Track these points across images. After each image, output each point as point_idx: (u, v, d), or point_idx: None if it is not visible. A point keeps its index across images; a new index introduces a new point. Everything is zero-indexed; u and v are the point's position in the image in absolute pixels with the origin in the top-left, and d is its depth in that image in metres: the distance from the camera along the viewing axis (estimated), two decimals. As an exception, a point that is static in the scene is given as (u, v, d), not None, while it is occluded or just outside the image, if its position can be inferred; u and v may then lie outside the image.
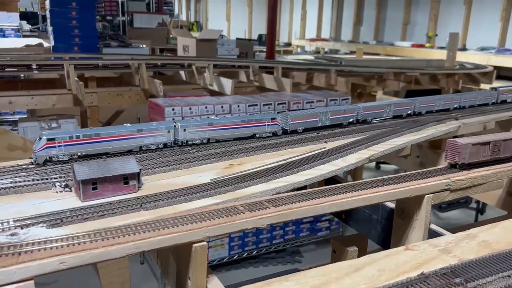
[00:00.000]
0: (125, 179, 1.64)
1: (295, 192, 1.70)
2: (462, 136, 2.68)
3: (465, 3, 10.14)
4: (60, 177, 1.74)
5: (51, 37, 5.24)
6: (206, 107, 3.31)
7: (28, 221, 1.36)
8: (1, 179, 1.68)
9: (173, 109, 3.15)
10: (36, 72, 4.23)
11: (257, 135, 2.41)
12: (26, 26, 9.26)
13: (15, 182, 1.66)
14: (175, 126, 2.17)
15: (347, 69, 5.21)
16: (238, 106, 3.44)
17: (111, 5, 9.70)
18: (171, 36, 8.51)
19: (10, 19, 7.85)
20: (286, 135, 2.51)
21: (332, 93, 4.11)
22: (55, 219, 1.39)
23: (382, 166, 8.51)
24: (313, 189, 1.75)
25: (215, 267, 5.26)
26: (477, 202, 6.67)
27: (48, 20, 5.38)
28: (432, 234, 1.84)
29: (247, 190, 1.73)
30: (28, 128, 3.83)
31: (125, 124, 2.10)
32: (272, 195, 1.73)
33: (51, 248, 1.20)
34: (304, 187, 1.89)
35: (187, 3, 22.72)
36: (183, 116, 3.21)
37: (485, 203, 6.56)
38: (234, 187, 1.73)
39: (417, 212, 1.87)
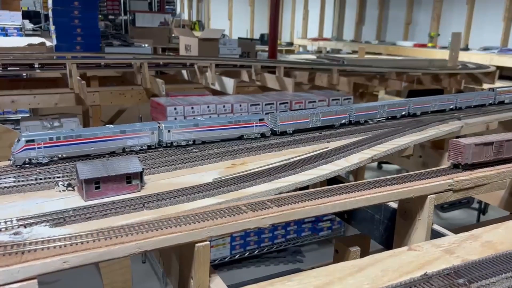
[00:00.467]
0: (128, 178, 1.64)
1: (298, 192, 1.69)
2: (464, 136, 2.67)
3: (467, 3, 10.12)
4: (63, 176, 1.74)
5: (54, 36, 5.25)
6: (208, 107, 3.31)
7: (31, 220, 1.36)
8: (5, 178, 1.68)
9: (175, 109, 3.15)
10: (39, 71, 4.24)
11: (244, 137, 2.37)
12: (29, 25, 9.27)
13: (18, 181, 1.66)
14: (159, 127, 2.13)
15: (349, 68, 5.20)
16: (240, 105, 3.43)
17: (113, 4, 9.71)
18: (173, 35, 8.52)
19: (12, 18, 7.87)
20: (287, 135, 2.51)
21: (334, 93, 4.10)
22: (58, 218, 1.39)
23: (384, 166, 8.51)
24: (315, 189, 1.74)
25: (217, 267, 5.26)
26: (479, 202, 6.65)
27: (51, 19, 5.38)
28: (435, 235, 1.83)
29: (250, 190, 1.73)
30: (31, 127, 3.84)
31: (107, 125, 2.06)
32: (275, 195, 1.73)
33: (54, 247, 1.20)
34: (307, 187, 1.88)
35: (189, 3, 22.72)
36: (185, 116, 3.21)
37: (487, 204, 6.55)
38: (237, 187, 1.73)
39: (420, 212, 1.86)
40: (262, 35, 12.86)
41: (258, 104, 3.52)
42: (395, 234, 1.98)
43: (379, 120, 2.92)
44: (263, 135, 2.42)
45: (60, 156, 1.87)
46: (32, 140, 1.81)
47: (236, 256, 5.44)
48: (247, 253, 5.51)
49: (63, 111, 4.29)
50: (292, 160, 2.08)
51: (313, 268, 1.44)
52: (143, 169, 1.68)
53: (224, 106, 3.36)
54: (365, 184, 1.80)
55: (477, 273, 1.36)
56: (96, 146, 1.95)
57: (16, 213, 1.42)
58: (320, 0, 15.13)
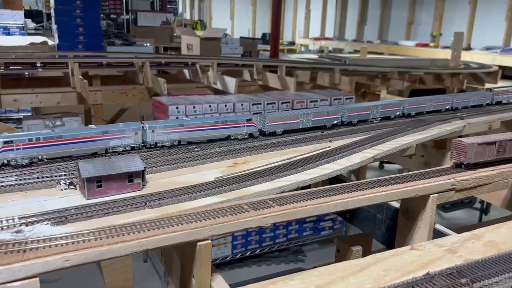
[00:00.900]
0: (130, 177, 1.64)
1: (300, 191, 1.69)
2: (467, 135, 2.66)
3: (470, 3, 10.09)
4: (65, 175, 1.74)
5: (56, 35, 5.26)
6: (210, 106, 3.31)
7: (33, 219, 1.36)
8: (7, 177, 1.68)
9: (177, 108, 3.15)
10: (41, 70, 4.24)
11: (232, 137, 2.33)
12: (31, 24, 9.29)
13: (20, 180, 1.66)
14: (143, 127, 2.09)
15: (351, 68, 5.20)
16: (242, 104, 3.43)
17: (115, 3, 9.71)
18: (175, 34, 8.51)
19: (15, 17, 7.87)
20: (289, 134, 2.50)
21: (336, 92, 4.09)
22: (60, 217, 1.39)
23: (386, 165, 8.49)
24: (317, 188, 1.74)
25: (218, 266, 5.26)
26: (481, 202, 6.64)
27: (53, 18, 5.39)
28: (437, 234, 1.83)
29: (252, 189, 1.73)
30: (33, 126, 3.84)
31: (89, 126, 2.02)
32: (277, 194, 1.72)
33: (55, 245, 1.20)
34: (309, 186, 1.88)
35: (191, 2, 22.73)
36: (187, 115, 3.21)
37: (489, 203, 6.53)
38: (239, 186, 1.73)
39: (422, 212, 1.86)
40: (264, 35, 12.85)
41: (260, 104, 3.51)
42: (397, 233, 1.97)
43: (373, 121, 2.88)
44: (251, 136, 2.38)
45: (40, 157, 1.83)
46: (10, 141, 1.76)
47: (238, 256, 5.44)
48: (249, 253, 5.50)
49: (65, 110, 4.29)
50: (294, 159, 2.07)
51: (315, 267, 1.44)
52: (145, 167, 1.68)
53: (226, 106, 3.36)
54: (367, 183, 1.80)
55: (479, 273, 1.36)
56: (78, 147, 1.91)
57: (18, 212, 1.42)
58: (322, 0, 15.12)
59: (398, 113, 2.99)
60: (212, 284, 1.40)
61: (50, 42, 5.70)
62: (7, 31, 7.62)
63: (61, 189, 1.65)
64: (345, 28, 14.45)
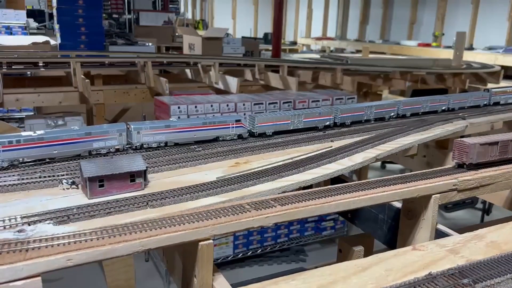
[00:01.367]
0: (132, 176, 1.64)
1: (301, 191, 1.69)
2: (469, 136, 2.66)
3: (472, 2, 10.08)
4: (67, 174, 1.74)
5: (58, 34, 5.26)
6: (211, 106, 3.31)
7: (35, 218, 1.37)
8: (9, 176, 1.69)
9: (178, 107, 3.16)
10: (43, 69, 4.25)
11: (220, 138, 2.29)
12: (33, 24, 9.31)
13: (23, 179, 1.67)
14: (128, 128, 2.04)
15: (353, 68, 5.19)
16: (244, 104, 3.43)
17: (117, 3, 9.72)
18: (177, 34, 8.51)
19: (17, 17, 7.89)
20: (291, 134, 2.50)
21: (338, 92, 4.09)
22: (62, 216, 1.39)
23: (388, 165, 8.48)
24: (319, 188, 1.74)
25: (219, 265, 5.26)
26: (483, 202, 6.62)
27: (55, 18, 5.40)
28: (439, 234, 1.82)
29: (253, 189, 1.73)
30: (35, 125, 3.85)
31: (72, 127, 1.98)
32: (278, 193, 1.72)
33: (58, 245, 1.20)
34: (310, 186, 1.88)
35: (193, 2, 22.74)
36: (188, 115, 3.22)
37: (491, 204, 6.52)
38: (240, 186, 1.73)
39: (424, 212, 1.85)
40: (265, 34, 12.85)
41: (262, 103, 3.51)
42: (399, 233, 1.97)
43: (369, 121, 2.82)
44: (240, 137, 2.34)
45: (21, 160, 1.79)
46: None
47: (239, 255, 5.44)
48: (250, 252, 5.51)
49: (67, 109, 4.30)
50: (295, 159, 2.07)
51: (316, 267, 1.44)
52: (147, 167, 1.68)
53: (227, 105, 3.36)
54: (369, 183, 1.80)
55: (482, 273, 1.35)
56: (60, 149, 1.87)
57: (20, 211, 1.43)
58: (324, -1, 15.12)
59: (392, 114, 2.94)
60: (214, 284, 1.41)
61: (52, 42, 5.70)
62: (9, 31, 7.64)
63: (63, 189, 1.65)
64: (347, 27, 14.43)
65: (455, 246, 1.56)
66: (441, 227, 1.87)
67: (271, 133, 2.43)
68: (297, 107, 3.61)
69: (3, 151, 1.75)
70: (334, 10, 14.88)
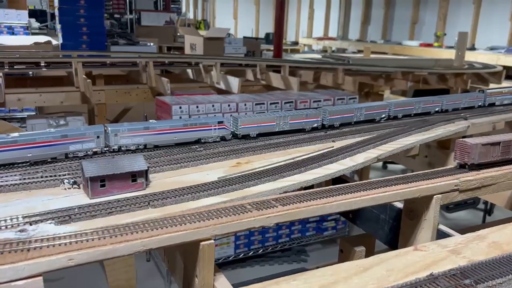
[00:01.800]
0: (133, 176, 1.64)
1: (303, 191, 1.69)
2: (471, 136, 2.65)
3: (474, 2, 10.06)
4: (69, 174, 1.74)
5: (60, 34, 5.28)
6: (213, 106, 3.32)
7: (37, 218, 1.37)
8: (11, 176, 1.69)
9: (180, 107, 3.16)
10: (45, 69, 4.26)
11: (202, 140, 2.24)
12: (35, 24, 9.33)
13: (24, 179, 1.67)
14: (105, 130, 1.99)
15: (355, 68, 5.19)
16: (245, 104, 3.43)
17: (119, 3, 9.74)
18: (178, 34, 8.52)
19: (19, 17, 7.91)
20: (292, 134, 2.50)
21: (339, 92, 4.09)
22: (64, 216, 1.39)
23: (389, 166, 8.47)
24: (320, 188, 1.74)
25: (221, 266, 5.26)
26: (485, 203, 6.61)
27: (57, 18, 5.41)
28: (441, 235, 1.82)
29: (255, 189, 1.73)
30: (36, 125, 3.86)
31: (47, 130, 1.92)
32: (280, 194, 1.72)
33: (59, 244, 1.20)
34: (312, 186, 1.88)
35: (194, 2, 22.75)
36: (190, 115, 3.22)
37: (493, 204, 6.50)
38: (242, 186, 1.73)
39: (425, 212, 1.85)
40: (267, 34, 12.85)
41: (263, 103, 3.52)
42: (400, 234, 1.97)
43: (355, 124, 2.73)
44: (223, 139, 2.29)
45: None
46: None
47: (240, 255, 5.44)
48: (251, 252, 5.51)
49: (68, 109, 4.31)
50: (297, 159, 2.07)
51: (318, 267, 1.44)
52: (148, 167, 1.68)
53: (229, 105, 3.36)
54: (371, 183, 1.80)
55: (483, 274, 1.35)
56: (35, 152, 1.81)
57: (22, 211, 1.43)
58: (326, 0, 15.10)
59: (384, 115, 2.87)
60: (215, 284, 1.40)
61: (54, 42, 5.71)
62: (11, 31, 7.66)
63: (65, 189, 1.65)
64: (348, 28, 14.43)
65: (456, 247, 1.56)
66: (442, 227, 1.86)
67: (255, 135, 2.38)
68: (298, 107, 3.61)
69: None
70: (336, 10, 14.88)
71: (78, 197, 1.58)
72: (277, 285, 1.31)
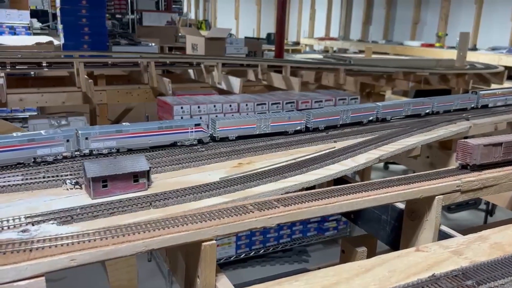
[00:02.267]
0: (135, 177, 1.64)
1: (304, 192, 1.69)
2: (472, 136, 2.65)
3: (476, 3, 10.04)
4: (71, 175, 1.75)
5: (61, 35, 5.28)
6: (214, 106, 3.32)
7: (39, 218, 1.37)
8: (13, 176, 1.69)
9: (181, 108, 3.16)
10: (46, 69, 4.26)
11: (178, 143, 2.18)
12: (37, 24, 9.33)
13: (26, 179, 1.67)
14: (76, 134, 1.93)
15: (356, 68, 5.18)
16: (247, 105, 3.43)
17: (121, 3, 9.75)
18: (180, 34, 8.52)
19: (20, 17, 7.92)
20: (294, 134, 2.50)
21: (341, 93, 4.09)
22: (66, 216, 1.39)
23: (391, 166, 8.47)
24: (322, 189, 1.74)
25: (222, 266, 5.27)
26: (487, 203, 6.60)
27: (58, 18, 5.41)
28: (443, 236, 1.82)
29: (256, 189, 1.73)
30: (38, 125, 3.86)
31: (14, 133, 1.86)
32: (281, 194, 1.72)
33: (61, 245, 1.21)
34: (313, 187, 1.88)
35: (196, 2, 22.76)
36: (191, 115, 3.22)
37: (495, 205, 6.49)
38: (243, 186, 1.73)
39: (427, 213, 1.85)
40: (268, 35, 12.86)
41: (265, 104, 3.51)
42: (402, 234, 1.97)
43: (340, 126, 2.67)
44: (200, 142, 2.24)
45: None
46: None
47: (242, 256, 5.44)
48: (253, 253, 5.51)
49: (70, 109, 4.31)
50: (298, 159, 2.07)
51: (319, 268, 1.44)
52: (150, 167, 1.68)
53: (230, 106, 3.36)
54: (372, 184, 1.80)
55: (485, 275, 1.35)
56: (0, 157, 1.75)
57: (24, 211, 1.43)
58: (327, 0, 15.09)
59: (371, 117, 2.81)
60: (217, 285, 1.41)
61: (56, 42, 5.73)
62: (13, 31, 7.67)
63: (67, 189, 1.65)
64: (350, 28, 14.42)
65: (458, 248, 1.56)
66: (444, 228, 1.86)
67: (234, 138, 2.32)
68: (300, 108, 3.61)
69: None
70: (337, 11, 14.87)
71: (80, 198, 1.59)
72: (279, 286, 1.31)
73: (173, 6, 11.87)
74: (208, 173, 1.89)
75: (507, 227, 1.73)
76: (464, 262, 1.44)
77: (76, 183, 1.67)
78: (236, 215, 1.45)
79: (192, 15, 21.82)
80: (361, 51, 10.61)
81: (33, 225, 1.33)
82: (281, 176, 1.85)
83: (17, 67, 4.10)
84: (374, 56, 8.23)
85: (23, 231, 1.28)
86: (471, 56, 7.53)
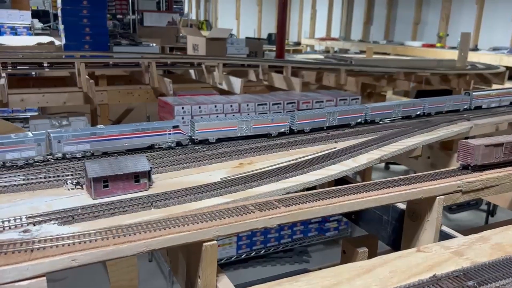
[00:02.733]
0: (136, 177, 1.64)
1: (305, 192, 1.69)
2: (473, 137, 2.65)
3: (477, 3, 10.03)
4: (72, 175, 1.75)
5: (63, 35, 5.29)
6: (215, 106, 3.32)
7: (40, 218, 1.37)
8: (14, 176, 1.70)
9: (182, 108, 3.16)
10: (48, 70, 4.27)
11: (156, 146, 2.12)
12: (38, 24, 9.35)
13: (27, 179, 1.68)
14: (47, 137, 1.87)
15: (357, 68, 5.18)
16: (247, 105, 3.43)
17: (122, 3, 9.75)
18: (180, 34, 8.53)
19: (22, 17, 7.94)
20: (295, 134, 2.50)
21: (342, 93, 4.09)
22: (67, 217, 1.40)
23: (392, 166, 8.46)
24: (323, 189, 1.74)
25: (223, 266, 5.27)
26: (488, 204, 6.60)
27: (60, 19, 5.43)
28: (444, 236, 1.82)
29: (257, 190, 1.73)
30: (39, 125, 3.87)
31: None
32: (282, 195, 1.72)
33: (62, 245, 1.21)
34: (314, 187, 1.88)
35: (197, 2, 22.77)
36: (192, 115, 3.22)
37: (496, 205, 6.49)
38: (244, 186, 1.73)
39: (428, 213, 1.85)
40: (269, 35, 12.87)
41: (265, 104, 3.51)
42: (403, 235, 1.97)
43: (327, 128, 2.63)
44: (179, 144, 2.18)
45: None
46: None
47: (243, 256, 5.44)
48: (254, 253, 5.51)
49: (71, 109, 4.32)
50: (299, 160, 2.07)
51: (320, 268, 1.44)
52: (151, 168, 1.69)
53: (231, 106, 3.36)
54: (373, 184, 1.79)
55: (486, 276, 1.35)
56: None
57: (25, 211, 1.43)
58: (328, 0, 15.09)
59: (359, 119, 2.76)
60: (218, 285, 1.41)
61: (57, 42, 5.74)
62: (14, 31, 7.68)
63: (68, 189, 1.66)
64: (351, 28, 14.41)
65: (459, 248, 1.56)
66: (445, 228, 1.86)
67: (214, 140, 2.27)
68: (301, 108, 3.61)
69: None
70: (338, 11, 14.87)
71: (81, 198, 1.59)
72: (280, 286, 1.31)
73: (174, 6, 11.85)
74: (209, 173, 1.89)
75: (508, 227, 1.73)
76: (465, 262, 1.44)
77: (77, 183, 1.67)
78: (237, 216, 1.45)
79: (193, 16, 21.83)
80: (362, 52, 10.61)
81: (34, 225, 1.33)
82: (282, 176, 1.85)
83: (18, 67, 4.11)
84: (375, 56, 8.22)
85: (24, 231, 1.28)
86: (472, 57, 7.52)
